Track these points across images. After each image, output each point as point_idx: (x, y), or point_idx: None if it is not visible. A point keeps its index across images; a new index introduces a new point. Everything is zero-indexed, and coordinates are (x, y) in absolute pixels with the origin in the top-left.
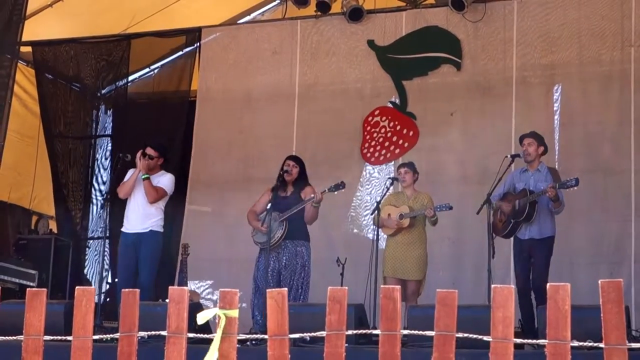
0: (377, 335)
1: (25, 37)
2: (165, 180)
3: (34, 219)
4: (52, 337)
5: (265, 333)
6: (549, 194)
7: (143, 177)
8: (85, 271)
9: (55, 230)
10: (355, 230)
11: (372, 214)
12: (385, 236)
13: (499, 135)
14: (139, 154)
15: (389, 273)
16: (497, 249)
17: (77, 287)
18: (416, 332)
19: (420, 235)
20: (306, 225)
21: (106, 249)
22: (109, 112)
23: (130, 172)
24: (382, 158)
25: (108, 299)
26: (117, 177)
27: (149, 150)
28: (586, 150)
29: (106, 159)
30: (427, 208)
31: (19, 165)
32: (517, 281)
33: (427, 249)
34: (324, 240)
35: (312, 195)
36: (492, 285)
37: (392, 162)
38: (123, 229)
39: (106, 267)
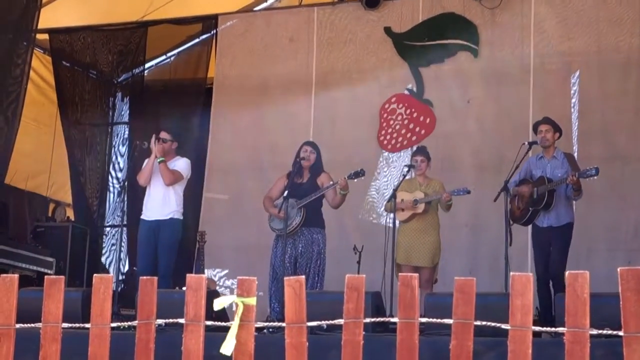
0: (394, 323)
1: (42, 24)
2: (181, 164)
3: (52, 206)
4: (70, 325)
5: (283, 321)
6: (570, 181)
7: (159, 160)
8: (102, 259)
9: (72, 217)
10: (373, 218)
11: (388, 202)
12: (398, 223)
13: (516, 123)
14: (153, 140)
15: (402, 260)
16: (514, 237)
17: (94, 275)
18: (434, 320)
19: (433, 222)
20: (322, 212)
21: (124, 237)
22: (126, 100)
23: (146, 161)
24: (398, 145)
25: (125, 286)
26: (134, 164)
27: (163, 134)
28: (604, 137)
29: (123, 146)
30: (444, 193)
31: (36, 152)
32: (536, 269)
33: (444, 236)
34: (340, 228)
35: (331, 183)
36: (511, 273)
37: (409, 149)
38: (142, 217)
39: (123, 254)
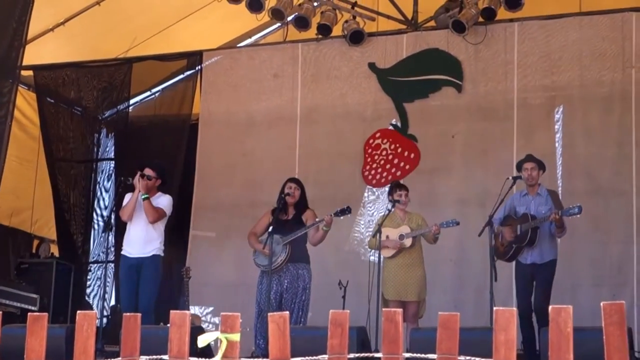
0: (379, 358)
1: (27, 61)
2: (164, 201)
3: (35, 242)
4: None
5: (268, 357)
6: (552, 219)
7: (143, 197)
8: (87, 295)
9: (56, 254)
10: (358, 253)
11: (373, 236)
12: (382, 258)
13: (500, 158)
14: (137, 176)
15: (391, 296)
16: (498, 272)
17: (78, 312)
18: (418, 355)
19: (419, 256)
20: (306, 248)
21: (109, 272)
22: (111, 136)
23: (127, 196)
24: (383, 180)
25: (109, 323)
26: (119, 200)
27: (148, 171)
28: (588, 171)
29: (108, 182)
30: (433, 225)
31: (18, 189)
32: (518, 304)
33: (429, 270)
34: (325, 263)
35: (318, 219)
36: (494, 308)
37: None
38: (124, 253)
39: (108, 290)
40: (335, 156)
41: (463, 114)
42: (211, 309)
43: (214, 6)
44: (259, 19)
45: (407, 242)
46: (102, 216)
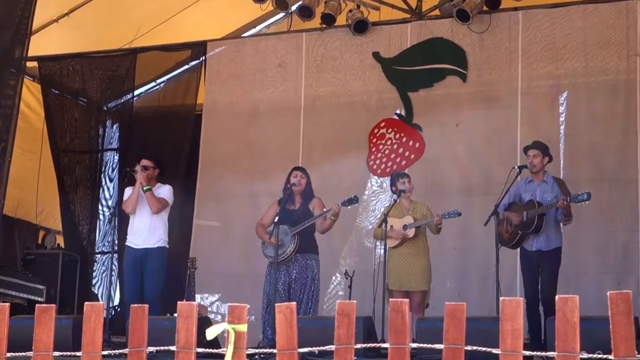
0: (386, 348)
1: (32, 52)
2: (164, 191)
3: (41, 233)
4: (61, 353)
5: (275, 347)
6: (560, 205)
7: (145, 188)
8: (93, 286)
9: (62, 244)
10: (363, 242)
11: (379, 226)
12: (387, 248)
13: (505, 146)
14: (138, 168)
15: (394, 286)
16: (502, 260)
17: (86, 303)
18: (425, 345)
19: (424, 245)
20: (315, 238)
21: (114, 263)
22: (115, 126)
23: (127, 190)
24: (388, 170)
25: (116, 313)
26: (124, 191)
27: (144, 162)
28: (592, 160)
29: (113, 172)
30: (435, 215)
31: (21, 180)
32: (525, 293)
33: (433, 259)
34: (330, 253)
35: (326, 209)
36: (501, 298)
37: None
38: (128, 244)
39: (114, 280)
40: (339, 146)
41: (467, 103)
42: (217, 297)
43: None
44: (263, 8)
45: (410, 232)
46: (107, 207)
